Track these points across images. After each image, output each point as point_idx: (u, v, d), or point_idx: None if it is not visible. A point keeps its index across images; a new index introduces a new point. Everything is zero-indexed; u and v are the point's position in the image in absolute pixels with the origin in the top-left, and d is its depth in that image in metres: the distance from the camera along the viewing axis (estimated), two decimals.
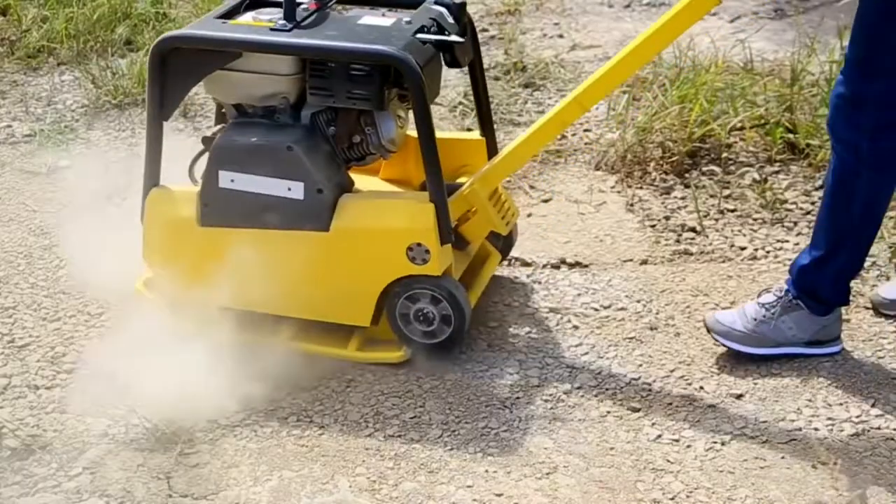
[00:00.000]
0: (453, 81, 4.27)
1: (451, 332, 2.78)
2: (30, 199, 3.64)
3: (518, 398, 2.73)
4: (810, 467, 2.51)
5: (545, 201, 3.58)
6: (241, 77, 2.71)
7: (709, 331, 2.86)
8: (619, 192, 3.63)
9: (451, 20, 2.77)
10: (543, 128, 2.75)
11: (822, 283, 2.80)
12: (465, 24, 2.80)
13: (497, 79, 4.29)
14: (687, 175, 3.65)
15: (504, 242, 3.13)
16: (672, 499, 2.43)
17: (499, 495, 2.44)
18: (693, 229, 3.41)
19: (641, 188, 3.63)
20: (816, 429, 2.61)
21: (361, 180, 2.93)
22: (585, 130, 3.96)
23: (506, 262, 3.24)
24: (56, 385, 2.77)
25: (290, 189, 2.70)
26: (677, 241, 3.35)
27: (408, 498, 2.44)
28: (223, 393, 2.66)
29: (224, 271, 2.71)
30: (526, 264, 3.25)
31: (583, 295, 3.12)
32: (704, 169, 3.71)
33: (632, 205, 3.55)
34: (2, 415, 2.66)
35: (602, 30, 4.79)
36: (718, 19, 4.85)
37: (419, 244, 2.66)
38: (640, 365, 2.83)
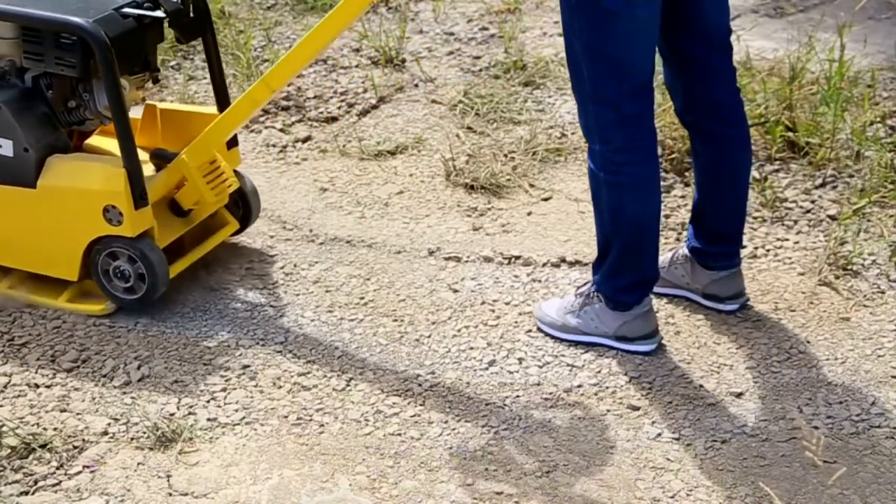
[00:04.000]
0: (453, 80, 4.27)
1: (146, 290, 2.95)
2: None
3: (518, 396, 2.73)
4: (810, 466, 2.51)
5: (545, 200, 3.58)
6: None
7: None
8: None
9: None
10: (237, 107, 2.93)
11: (602, 281, 2.83)
12: (189, 2, 2.93)
13: (497, 77, 4.28)
14: (687, 174, 3.64)
15: (243, 213, 3.28)
16: (672, 497, 2.43)
17: (498, 493, 2.44)
18: None
19: None
20: (816, 427, 2.61)
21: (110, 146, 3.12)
22: None
23: (504, 261, 3.24)
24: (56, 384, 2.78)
25: (0, 146, 2.89)
26: (677, 239, 3.35)
27: (408, 496, 2.44)
28: None
29: None
30: (526, 263, 3.25)
31: None
32: None
33: None
34: (2, 413, 2.66)
35: None
36: None
37: (113, 206, 2.85)
38: (640, 363, 2.83)
